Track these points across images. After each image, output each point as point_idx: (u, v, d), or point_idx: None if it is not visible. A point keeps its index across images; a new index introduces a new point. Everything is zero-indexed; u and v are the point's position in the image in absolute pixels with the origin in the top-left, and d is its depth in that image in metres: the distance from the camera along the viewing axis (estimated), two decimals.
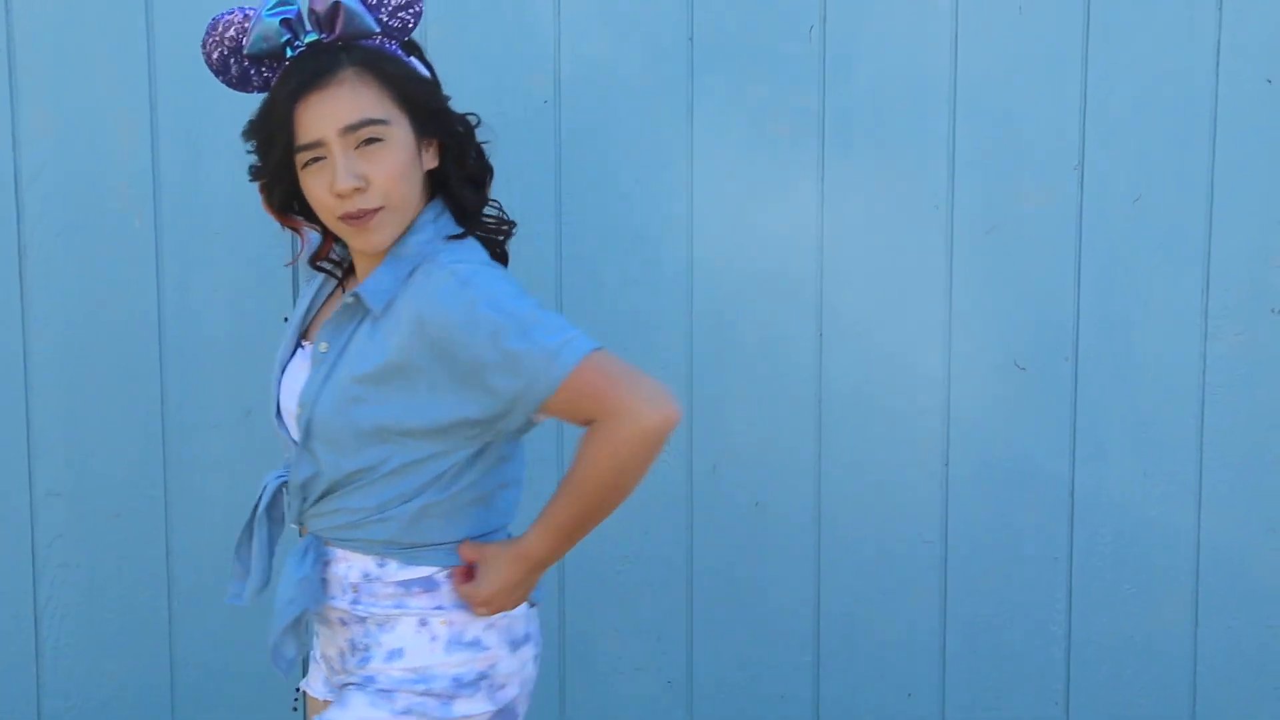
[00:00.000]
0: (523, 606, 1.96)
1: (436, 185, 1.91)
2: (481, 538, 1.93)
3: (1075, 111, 2.66)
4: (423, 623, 1.89)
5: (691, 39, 2.62)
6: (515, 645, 1.95)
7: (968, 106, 2.65)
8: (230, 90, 1.92)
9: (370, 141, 1.80)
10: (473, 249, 1.89)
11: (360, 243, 1.85)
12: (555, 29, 2.60)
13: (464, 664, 1.89)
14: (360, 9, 1.80)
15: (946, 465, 2.74)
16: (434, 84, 1.89)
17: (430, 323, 1.78)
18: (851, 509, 2.75)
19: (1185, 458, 2.76)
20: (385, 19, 1.83)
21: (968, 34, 2.64)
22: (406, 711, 1.86)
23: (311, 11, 1.81)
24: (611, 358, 1.81)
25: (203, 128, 2.55)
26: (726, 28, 2.62)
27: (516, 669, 1.95)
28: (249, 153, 1.89)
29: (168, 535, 2.66)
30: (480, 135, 1.95)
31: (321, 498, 1.89)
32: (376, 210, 1.81)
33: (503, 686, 1.93)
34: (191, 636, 2.70)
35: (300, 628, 1.93)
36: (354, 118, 1.78)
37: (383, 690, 1.87)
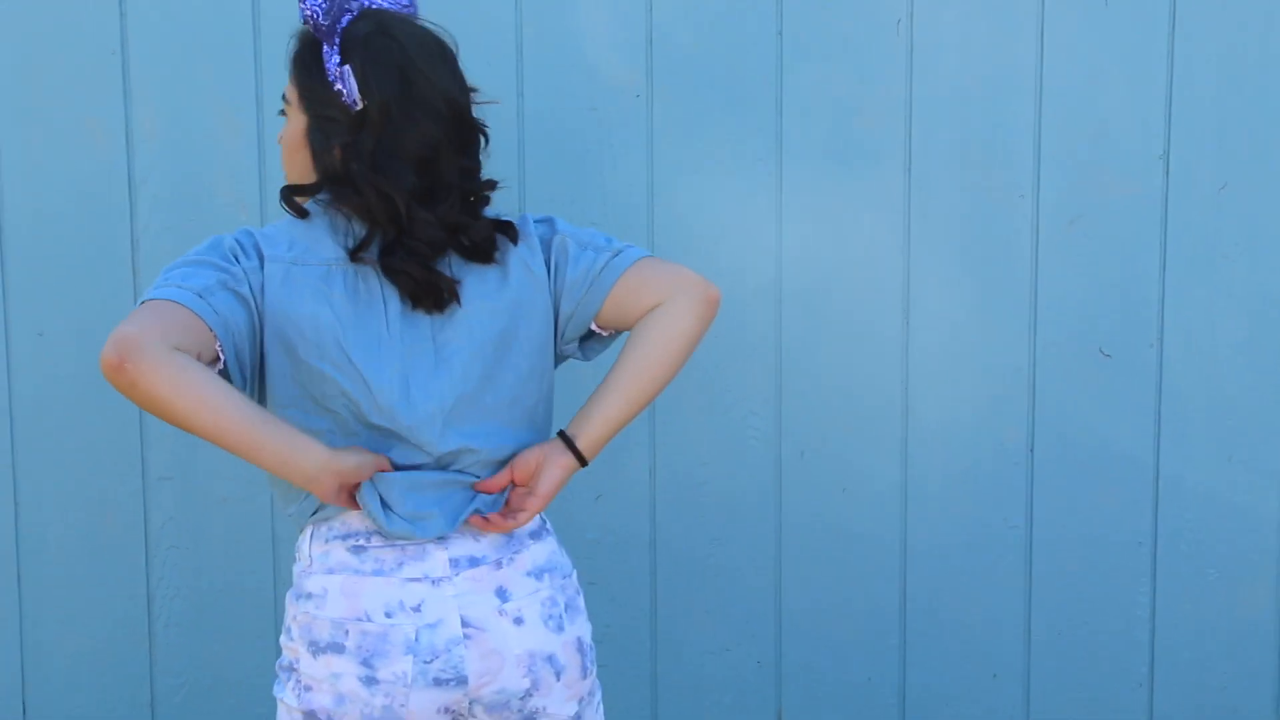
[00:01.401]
0: (336, 614, 1.89)
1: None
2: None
3: (1160, 101, 2.69)
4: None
5: (780, 33, 2.67)
6: (316, 649, 1.88)
7: (1053, 97, 2.69)
8: None
9: None
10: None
11: None
12: (648, 24, 2.66)
13: (285, 647, 1.93)
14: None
15: (1032, 451, 2.77)
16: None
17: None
18: (937, 494, 2.79)
19: (1269, 444, 2.77)
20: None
21: (1053, 25, 2.67)
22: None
23: None
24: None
25: None
26: (815, 21, 2.67)
27: (324, 676, 1.88)
28: None
29: (273, 520, 2.73)
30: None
31: None
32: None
33: (309, 688, 1.89)
34: None
35: None
36: None
37: None
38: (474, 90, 1.94)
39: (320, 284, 1.86)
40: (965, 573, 2.81)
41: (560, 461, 1.93)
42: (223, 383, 1.74)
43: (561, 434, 1.95)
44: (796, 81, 2.68)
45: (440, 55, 1.91)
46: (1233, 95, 2.69)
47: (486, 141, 1.96)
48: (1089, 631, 2.83)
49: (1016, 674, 2.84)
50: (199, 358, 1.73)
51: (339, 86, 1.85)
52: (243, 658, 2.77)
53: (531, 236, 1.97)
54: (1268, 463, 2.78)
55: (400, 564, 1.88)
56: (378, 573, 1.88)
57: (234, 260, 1.84)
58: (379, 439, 1.89)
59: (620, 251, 1.97)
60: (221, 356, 1.79)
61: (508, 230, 1.95)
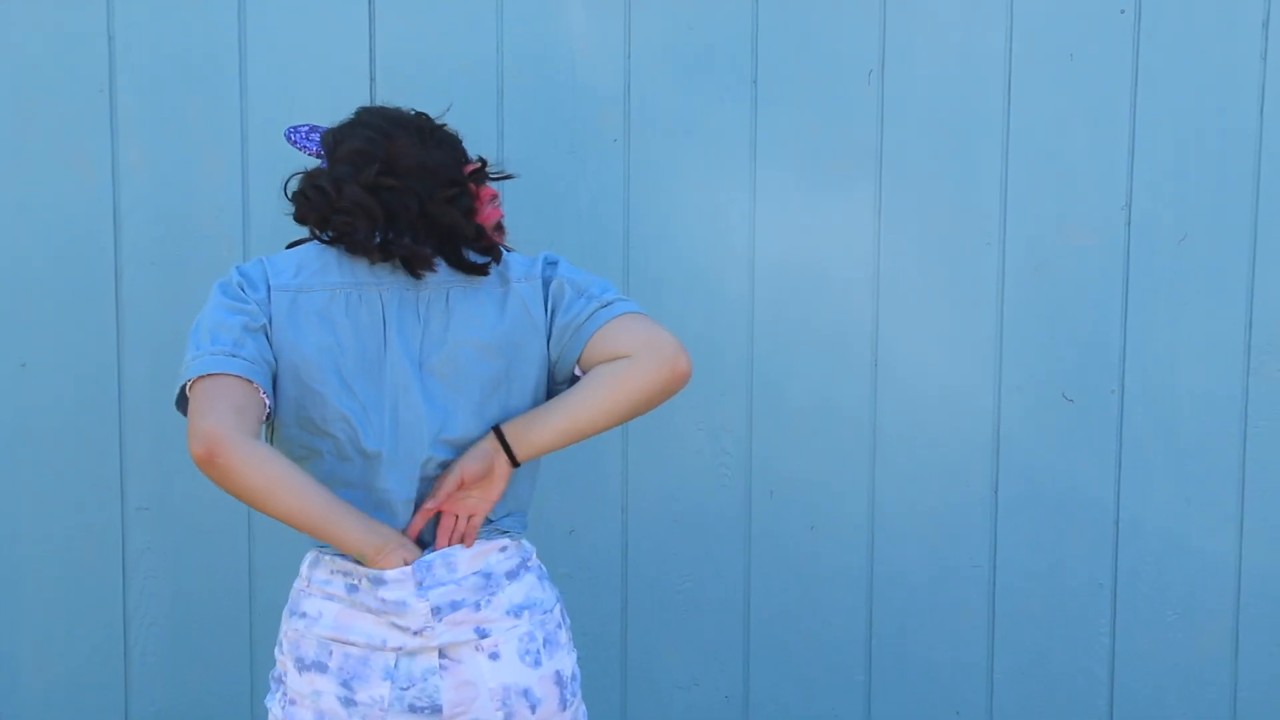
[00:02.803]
0: (324, 633, 1.98)
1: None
2: None
3: (1123, 153, 2.75)
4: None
5: (755, 81, 2.73)
6: (301, 666, 1.98)
7: (1020, 148, 2.75)
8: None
9: None
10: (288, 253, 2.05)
11: None
12: (625, 70, 2.71)
13: (276, 659, 2.04)
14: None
15: (996, 492, 2.82)
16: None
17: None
18: (903, 534, 2.84)
19: (1227, 488, 2.83)
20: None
21: (1020, 79, 2.74)
22: None
23: None
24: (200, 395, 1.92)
25: (289, 164, 2.65)
26: (788, 70, 2.73)
27: (307, 693, 1.97)
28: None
29: (250, 551, 2.76)
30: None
31: None
32: None
33: (294, 702, 1.99)
34: (271, 648, 2.75)
35: None
36: None
37: None
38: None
39: (324, 309, 1.97)
40: (930, 610, 2.86)
41: (504, 473, 2.01)
42: (297, 469, 1.89)
43: (501, 438, 2.00)
44: (770, 128, 2.74)
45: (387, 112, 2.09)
46: (1193, 149, 2.76)
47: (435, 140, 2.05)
48: (1050, 669, 2.88)
49: (979, 710, 2.88)
50: (260, 418, 1.91)
51: (311, 150, 2.10)
52: (218, 686, 2.79)
53: (537, 279, 2.04)
54: (1225, 505, 2.83)
55: (383, 611, 1.95)
56: (368, 609, 1.96)
57: (244, 297, 1.95)
58: (370, 465, 1.97)
59: (610, 303, 2.03)
60: (268, 402, 1.93)
61: (494, 252, 2.03)
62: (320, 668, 1.95)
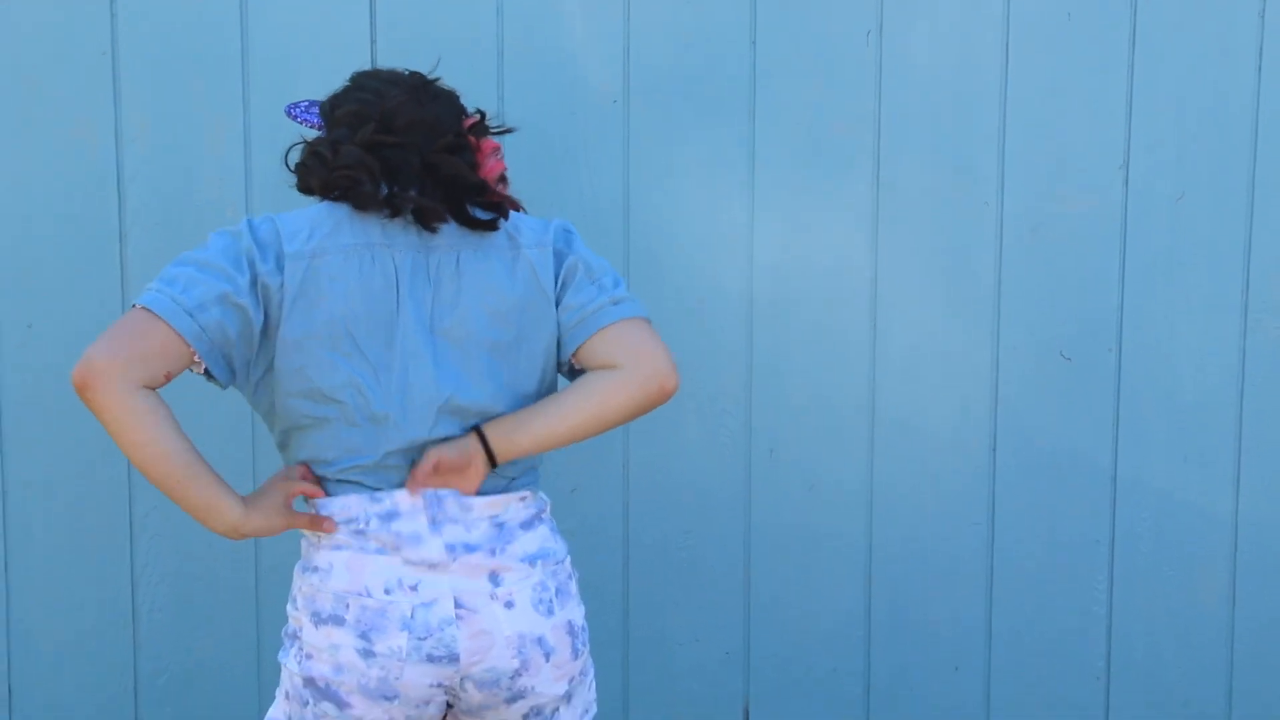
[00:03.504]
0: (339, 587, 1.98)
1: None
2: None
3: (1121, 114, 2.76)
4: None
5: (754, 43, 2.74)
6: (318, 620, 1.98)
7: (1017, 109, 2.76)
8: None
9: None
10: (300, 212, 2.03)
11: None
12: (625, 33, 2.72)
13: (290, 616, 2.04)
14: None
15: (994, 451, 2.85)
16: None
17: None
18: (902, 492, 2.86)
19: (1224, 446, 2.85)
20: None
21: (1018, 40, 2.74)
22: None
23: None
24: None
25: (291, 130, 2.66)
26: (788, 31, 2.73)
27: (324, 646, 1.97)
28: None
29: None
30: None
31: None
32: None
33: (310, 656, 1.98)
34: (277, 608, 2.78)
35: None
36: None
37: None
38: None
39: (339, 272, 1.95)
40: (929, 568, 2.88)
41: (482, 471, 2.01)
42: (170, 431, 1.87)
43: (483, 439, 2.01)
44: (769, 90, 2.75)
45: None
46: (1190, 109, 2.77)
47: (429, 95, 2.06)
48: (1048, 626, 2.91)
49: (977, 667, 2.92)
50: (171, 371, 1.88)
51: (312, 123, 2.10)
52: (225, 644, 2.83)
53: (548, 248, 2.05)
54: (1222, 464, 2.86)
55: (398, 547, 1.97)
56: (380, 551, 1.97)
57: (247, 267, 1.92)
58: (378, 429, 1.98)
59: (620, 301, 2.04)
60: (197, 371, 1.92)
61: (501, 209, 2.04)
62: (337, 620, 1.96)
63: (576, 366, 2.08)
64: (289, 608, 2.05)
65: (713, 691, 2.90)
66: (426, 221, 1.98)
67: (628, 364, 2.00)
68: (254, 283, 1.92)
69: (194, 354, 1.88)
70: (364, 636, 1.95)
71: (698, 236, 2.77)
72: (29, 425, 2.75)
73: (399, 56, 2.63)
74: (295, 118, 2.14)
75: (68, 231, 2.71)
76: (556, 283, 2.04)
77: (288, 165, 2.06)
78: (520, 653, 2.00)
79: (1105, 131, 2.77)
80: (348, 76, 2.10)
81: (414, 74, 2.07)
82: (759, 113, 2.75)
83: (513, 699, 2.02)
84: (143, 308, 1.87)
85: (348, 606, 1.96)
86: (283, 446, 2.06)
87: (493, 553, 2.00)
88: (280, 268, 1.93)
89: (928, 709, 2.92)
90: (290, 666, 2.01)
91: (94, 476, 2.77)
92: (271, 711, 2.06)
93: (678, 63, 2.74)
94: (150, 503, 2.77)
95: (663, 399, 2.02)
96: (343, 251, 1.96)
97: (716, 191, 2.77)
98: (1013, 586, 2.89)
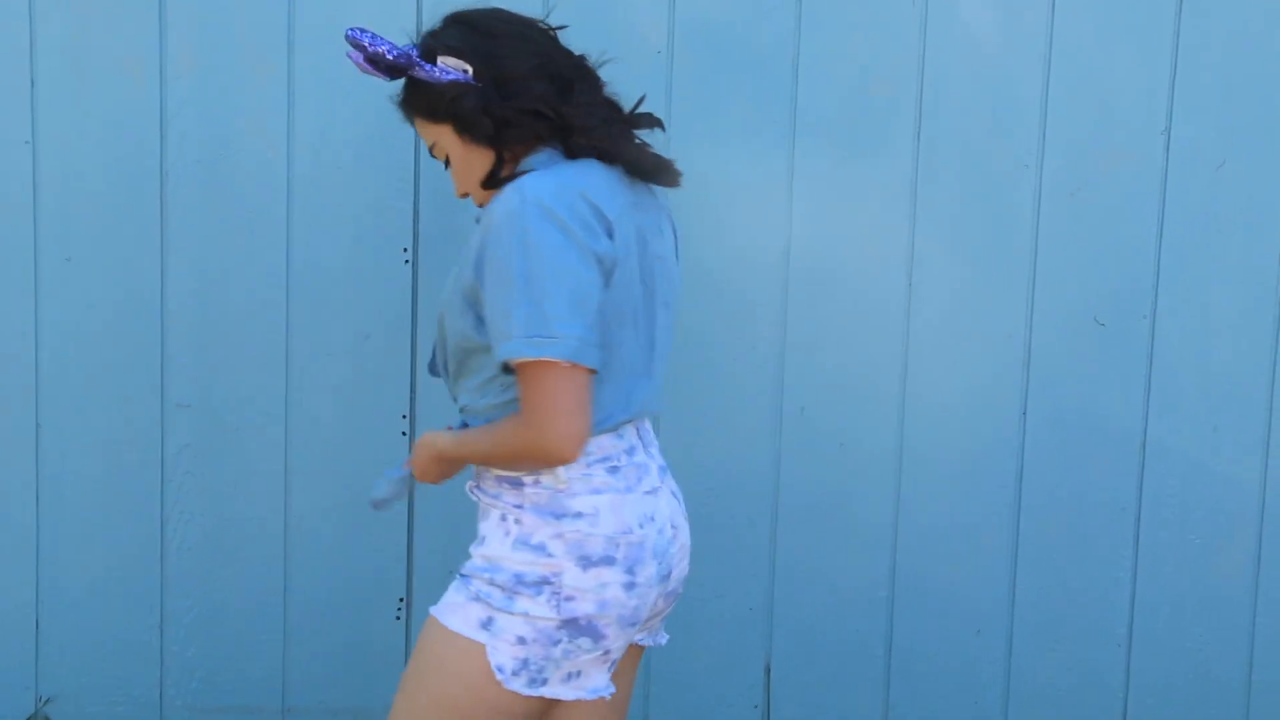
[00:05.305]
0: (609, 530, 2.01)
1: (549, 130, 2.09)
2: None
3: (1165, 78, 2.76)
4: (503, 517, 2.04)
5: None
6: (587, 563, 1.99)
7: (1060, 70, 2.76)
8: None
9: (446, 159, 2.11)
10: (559, 172, 2.01)
11: None
12: None
13: (527, 564, 2.00)
14: (364, 65, 2.07)
15: (1024, 414, 2.85)
16: (434, 90, 2.05)
17: (486, 216, 1.97)
18: (932, 453, 2.86)
19: (1254, 416, 2.86)
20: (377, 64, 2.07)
21: (1064, 1, 2.74)
22: (476, 597, 2.01)
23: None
24: (560, 379, 1.90)
25: (336, 70, 2.67)
26: None
27: (590, 587, 1.99)
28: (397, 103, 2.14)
29: (286, 452, 2.80)
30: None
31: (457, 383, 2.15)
32: (466, 195, 2.13)
33: (571, 599, 1.99)
34: (305, 546, 2.83)
35: (401, 481, 2.21)
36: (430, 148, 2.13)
37: (464, 575, 2.05)
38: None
39: (634, 239, 2.03)
40: (955, 529, 2.89)
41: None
42: None
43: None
44: (813, 45, 2.75)
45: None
46: (1236, 74, 2.77)
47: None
48: (1071, 591, 2.91)
49: (999, 630, 2.92)
50: None
51: (449, 78, 2.02)
52: (252, 583, 2.84)
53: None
54: (1252, 434, 2.86)
55: (639, 479, 2.06)
56: (628, 489, 2.04)
57: (596, 262, 1.94)
58: (636, 383, 2.08)
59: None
60: None
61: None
62: (609, 561, 2.00)
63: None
64: (529, 555, 1.99)
65: (734, 647, 2.91)
66: (672, 180, 2.13)
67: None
68: (607, 266, 1.96)
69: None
70: (629, 571, 2.01)
71: (737, 189, 2.77)
72: (66, 358, 2.76)
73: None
74: (365, 44, 2.04)
75: (109, 167, 2.71)
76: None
77: (472, 124, 2.04)
78: (685, 563, 2.18)
79: (1149, 95, 2.77)
80: (449, 19, 2.09)
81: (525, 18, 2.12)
82: (802, 67, 2.75)
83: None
84: (571, 365, 1.89)
85: (618, 546, 2.01)
86: None
87: (666, 470, 2.15)
88: (611, 237, 1.97)
89: (949, 672, 2.93)
90: (539, 613, 1.98)
91: (128, 411, 2.77)
92: (495, 659, 1.99)
93: (723, 15, 2.74)
94: (183, 439, 2.79)
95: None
96: (626, 212, 2.02)
97: (757, 146, 2.77)
98: (1037, 551, 2.90)
